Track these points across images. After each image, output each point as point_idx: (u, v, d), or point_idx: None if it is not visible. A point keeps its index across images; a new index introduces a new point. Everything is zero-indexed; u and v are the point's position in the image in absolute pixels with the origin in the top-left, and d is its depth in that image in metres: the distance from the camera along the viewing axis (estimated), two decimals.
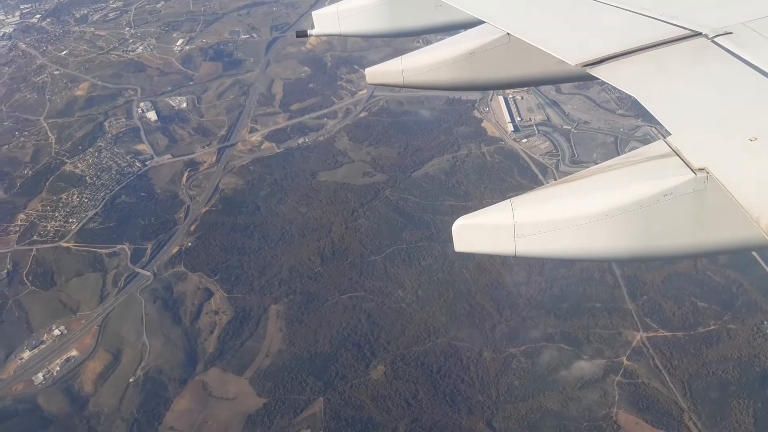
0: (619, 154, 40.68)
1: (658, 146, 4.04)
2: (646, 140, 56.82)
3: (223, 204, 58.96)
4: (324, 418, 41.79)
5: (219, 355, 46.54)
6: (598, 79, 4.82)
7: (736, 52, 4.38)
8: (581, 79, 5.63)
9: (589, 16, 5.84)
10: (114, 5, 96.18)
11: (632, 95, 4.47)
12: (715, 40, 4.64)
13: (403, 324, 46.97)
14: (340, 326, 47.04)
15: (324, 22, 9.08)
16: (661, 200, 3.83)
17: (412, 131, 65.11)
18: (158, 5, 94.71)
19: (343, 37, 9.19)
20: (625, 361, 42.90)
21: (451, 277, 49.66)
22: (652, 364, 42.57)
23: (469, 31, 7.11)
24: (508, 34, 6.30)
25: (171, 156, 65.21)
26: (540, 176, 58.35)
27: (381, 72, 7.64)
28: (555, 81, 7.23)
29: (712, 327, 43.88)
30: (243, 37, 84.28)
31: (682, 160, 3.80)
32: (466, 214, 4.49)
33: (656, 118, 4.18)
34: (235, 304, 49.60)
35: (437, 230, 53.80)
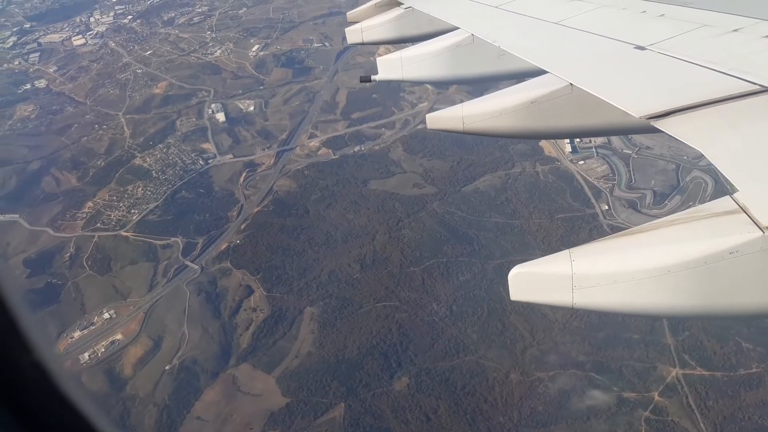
0: (680, 183, 39.55)
1: (723, 202, 4.01)
2: (710, 170, 54.43)
3: (274, 205, 60.62)
4: (343, 424, 42.19)
5: (251, 352, 47.82)
6: (663, 132, 4.83)
7: None
8: (645, 131, 5.72)
9: (654, 68, 5.88)
10: (200, 9, 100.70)
11: (699, 150, 4.48)
12: None
13: (433, 338, 46.84)
14: (370, 334, 47.41)
15: (388, 68, 9.44)
16: (727, 258, 3.75)
17: (468, 146, 64.76)
18: (240, 11, 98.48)
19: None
20: (657, 397, 41.19)
21: (488, 294, 49.07)
22: (685, 402, 40.70)
23: (531, 80, 7.22)
24: (571, 84, 6.35)
25: (232, 156, 67.68)
26: (593, 200, 56.98)
27: (442, 117, 7.87)
28: (618, 132, 7.47)
29: (755, 370, 41.54)
30: (315, 45, 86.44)
31: (750, 217, 3.76)
32: (522, 262, 4.52)
33: (723, 173, 4.17)
34: (272, 303, 50.87)
35: (480, 246, 53.44)
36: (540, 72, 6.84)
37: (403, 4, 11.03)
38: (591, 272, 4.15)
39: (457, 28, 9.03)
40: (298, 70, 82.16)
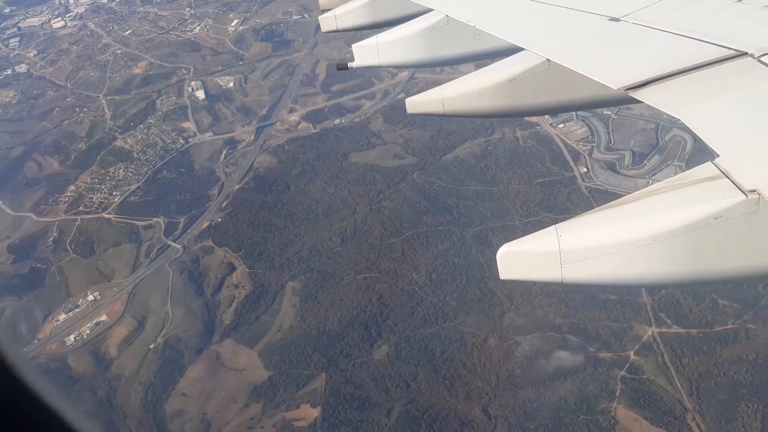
0: (659, 142, 39.52)
1: (706, 168, 4.03)
2: (688, 128, 54.18)
3: (255, 182, 60.70)
4: (324, 394, 42.80)
5: (234, 328, 48.33)
6: (642, 102, 4.91)
7: None
8: (624, 102, 5.76)
9: (629, 39, 5.90)
10: None
11: (678, 117, 4.51)
12: (761, 59, 4.62)
13: (413, 306, 47.25)
14: (351, 306, 47.84)
15: (364, 54, 9.38)
16: (712, 223, 3.78)
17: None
18: None
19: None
20: (633, 356, 41.68)
21: (467, 262, 49.40)
22: (661, 360, 41.18)
23: (508, 58, 7.19)
24: (548, 60, 6.37)
25: (213, 134, 67.55)
26: (572, 163, 56.97)
27: (421, 102, 7.86)
28: (597, 105, 7.71)
29: (731, 326, 41.94)
30: (295, 17, 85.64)
31: (732, 182, 3.78)
32: (509, 241, 4.59)
33: (704, 140, 4.23)
34: (254, 279, 51.25)
35: (459, 214, 53.61)
36: (516, 49, 6.84)
37: None
38: (578, 246, 4.18)
39: (431, 10, 8.97)
40: (277, 43, 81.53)
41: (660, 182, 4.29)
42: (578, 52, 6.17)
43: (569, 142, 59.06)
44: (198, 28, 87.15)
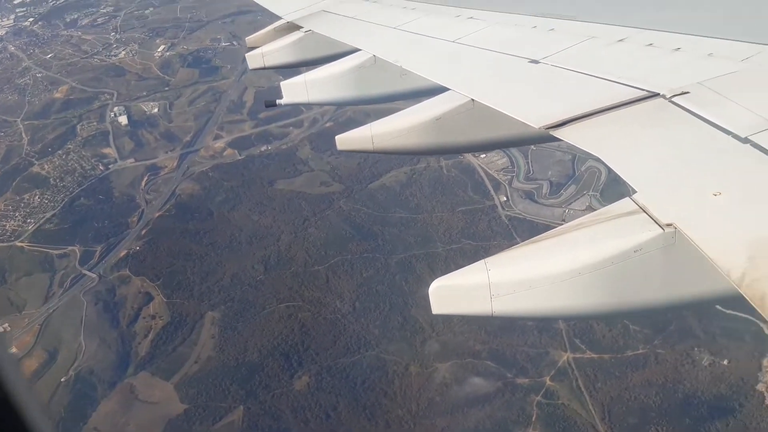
0: (575, 173, 40.45)
1: (624, 204, 4.09)
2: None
3: (177, 209, 59.49)
4: (241, 427, 41.85)
5: (150, 360, 46.86)
6: (562, 140, 4.95)
7: (694, 111, 4.57)
8: (546, 140, 5.80)
9: (548, 80, 6.03)
10: (104, 10, 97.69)
11: (596, 155, 4.58)
12: (672, 99, 4.81)
13: (336, 335, 46.93)
14: (272, 335, 47.13)
15: (293, 92, 9.38)
16: (632, 256, 3.87)
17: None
18: (147, 11, 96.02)
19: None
20: (548, 381, 42.41)
21: (390, 289, 49.53)
22: (575, 385, 42.02)
23: (434, 98, 7.25)
24: (473, 100, 6.49)
25: (134, 160, 66.03)
26: (493, 192, 58.13)
27: (351, 139, 7.82)
28: (520, 143, 7.55)
29: (641, 351, 43.23)
30: (224, 44, 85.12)
31: (650, 216, 3.87)
32: (442, 275, 4.48)
33: (622, 176, 4.26)
34: (172, 309, 49.95)
35: (384, 242, 53.79)
36: (443, 89, 6.96)
37: (302, 27, 11.08)
38: (507, 280, 4.20)
39: (359, 50, 9.08)
40: (205, 69, 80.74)
41: (583, 217, 4.43)
42: (501, 92, 6.41)
43: (490, 172, 60.33)
44: (123, 52, 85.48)
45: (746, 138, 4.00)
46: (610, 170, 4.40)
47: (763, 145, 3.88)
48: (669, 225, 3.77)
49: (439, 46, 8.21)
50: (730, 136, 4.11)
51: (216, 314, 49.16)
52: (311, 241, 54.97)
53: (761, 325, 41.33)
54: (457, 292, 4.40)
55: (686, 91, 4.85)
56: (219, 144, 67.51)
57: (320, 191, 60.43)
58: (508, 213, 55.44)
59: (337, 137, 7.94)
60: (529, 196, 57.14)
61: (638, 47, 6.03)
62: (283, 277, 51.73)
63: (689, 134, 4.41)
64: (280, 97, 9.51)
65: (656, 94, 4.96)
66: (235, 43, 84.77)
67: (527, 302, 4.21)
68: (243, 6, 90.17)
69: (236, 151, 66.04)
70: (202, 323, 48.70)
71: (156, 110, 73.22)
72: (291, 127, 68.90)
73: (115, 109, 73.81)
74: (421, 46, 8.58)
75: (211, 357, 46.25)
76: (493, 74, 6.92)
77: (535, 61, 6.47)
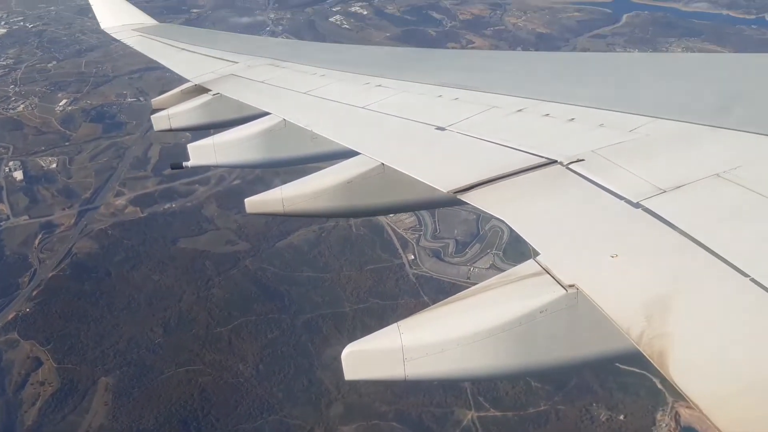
0: (479, 232, 41.08)
1: (529, 265, 4.18)
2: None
3: (72, 269, 56.61)
4: None
5: (37, 429, 43.57)
6: (470, 204, 5.11)
7: (589, 177, 4.80)
8: (453, 204, 5.83)
9: (455, 146, 6.25)
10: (3, 62, 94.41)
11: (502, 219, 4.72)
12: (569, 166, 5.04)
13: (238, 400, 45.21)
14: (169, 401, 44.87)
15: (200, 154, 9.09)
16: (538, 317, 3.93)
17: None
18: (49, 65, 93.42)
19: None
20: None
21: (296, 351, 48.47)
22: None
23: (345, 161, 7.17)
24: (383, 164, 6.52)
25: (28, 217, 62.79)
26: (400, 250, 58.63)
27: (261, 202, 7.52)
28: (429, 206, 7.58)
29: (543, 407, 43.82)
30: (129, 100, 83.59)
31: (553, 277, 3.97)
32: (354, 340, 4.36)
33: (525, 239, 4.35)
34: (63, 375, 46.88)
35: (290, 302, 52.90)
36: (354, 153, 7.02)
37: (211, 90, 10.90)
38: (419, 343, 4.16)
39: (268, 114, 9.01)
40: (109, 125, 78.71)
41: (491, 279, 4.47)
42: (410, 157, 6.56)
43: (399, 231, 61.00)
44: (22, 106, 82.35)
45: (638, 203, 4.27)
46: (511, 230, 4.53)
47: (653, 210, 4.14)
48: (571, 286, 3.87)
49: (350, 111, 8.38)
50: (623, 201, 4.37)
51: (110, 380, 46.49)
52: (214, 301, 53.39)
53: (654, 380, 42.99)
54: (370, 357, 4.37)
55: (581, 158, 5.10)
56: (120, 201, 65.29)
57: (225, 250, 59.17)
58: (416, 271, 55.94)
59: (246, 200, 7.73)
60: (436, 254, 58.01)
61: (536, 117, 6.39)
62: (184, 339, 49.74)
63: (586, 199, 4.63)
64: (187, 159, 9.26)
65: (554, 161, 5.21)
66: (141, 99, 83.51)
67: (439, 365, 4.23)
68: (151, 62, 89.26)
69: (138, 209, 64.02)
70: (94, 389, 45.88)
71: (54, 165, 70.35)
72: (197, 185, 67.64)
73: (11, 163, 70.50)
74: (332, 111, 8.69)
75: (104, 426, 43.47)
76: (402, 140, 7.12)
77: (442, 128, 6.73)
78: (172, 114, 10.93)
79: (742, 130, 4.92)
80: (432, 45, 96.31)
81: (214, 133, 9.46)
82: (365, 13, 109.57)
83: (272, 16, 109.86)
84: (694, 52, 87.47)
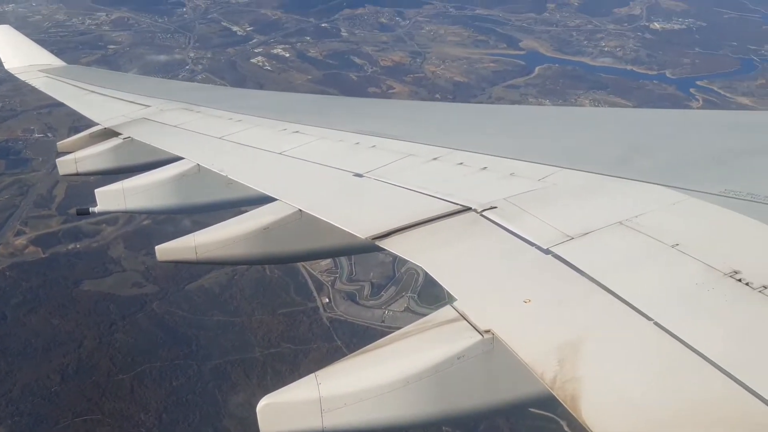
0: (395, 274, 40.77)
1: (446, 311, 4.23)
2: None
3: None
4: None
5: None
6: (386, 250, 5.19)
7: (502, 224, 4.94)
8: (372, 250, 5.82)
9: (372, 193, 6.31)
10: None
11: (420, 265, 4.78)
12: (483, 213, 5.20)
13: None
14: None
15: (108, 200, 8.72)
16: (456, 363, 3.95)
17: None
18: None
19: None
20: None
21: (202, 398, 46.72)
22: None
23: (263, 207, 6.97)
24: (300, 210, 6.51)
25: None
26: (315, 293, 58.04)
27: (173, 249, 7.18)
28: (347, 252, 8.08)
29: None
30: (37, 135, 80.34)
31: (470, 323, 4.02)
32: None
33: (442, 285, 4.40)
34: None
35: (198, 347, 51.17)
36: (270, 199, 6.89)
37: (121, 134, 10.56)
38: (338, 393, 4.13)
39: (182, 158, 8.75)
40: (13, 161, 75.25)
41: (409, 325, 4.48)
42: (328, 203, 6.57)
43: (314, 273, 60.40)
44: None
45: (548, 249, 4.44)
46: (427, 273, 4.63)
47: (562, 256, 4.30)
48: (487, 331, 3.94)
49: (266, 156, 8.32)
50: (534, 248, 4.54)
51: (1, 430, 43.43)
52: (117, 347, 51.04)
53: (561, 422, 43.65)
54: (287, 409, 4.26)
55: (494, 205, 5.30)
56: (21, 240, 62.02)
57: (132, 293, 56.92)
58: (330, 315, 55.34)
59: (157, 248, 7.41)
60: (351, 297, 57.66)
61: (451, 165, 6.61)
62: (82, 387, 47.16)
63: (499, 246, 4.77)
64: (94, 204, 8.92)
65: (469, 208, 5.40)
66: (49, 134, 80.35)
67: (358, 415, 4.18)
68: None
69: (40, 249, 60.94)
70: None
71: None
72: (104, 224, 65.11)
73: None
74: (248, 157, 8.60)
75: None
76: (320, 186, 7.17)
77: (360, 175, 6.84)
78: (79, 158, 10.65)
79: (642, 180, 5.20)
80: (353, 89, 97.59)
81: (123, 178, 9.19)
82: (287, 55, 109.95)
83: (192, 55, 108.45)
84: (600, 104, 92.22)
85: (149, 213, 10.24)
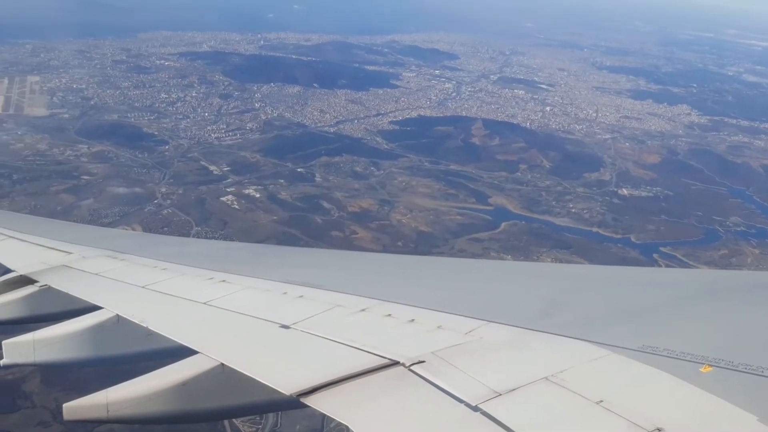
0: (324, 428, 37.85)
1: None
2: None
3: None
4: None
5: None
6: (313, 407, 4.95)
7: (430, 379, 4.91)
8: (298, 407, 5.51)
9: (298, 345, 6.15)
10: None
11: (346, 424, 4.49)
12: (411, 368, 5.12)
13: None
14: None
15: (16, 352, 8.03)
16: None
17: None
18: None
19: None
20: None
21: None
22: None
23: (182, 361, 6.67)
24: (222, 363, 6.15)
25: None
26: None
27: (81, 407, 6.55)
28: (273, 409, 7.60)
29: None
30: None
31: None
32: None
33: None
34: None
35: None
36: (191, 351, 6.51)
37: (38, 281, 10.01)
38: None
39: (100, 308, 8.25)
40: None
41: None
42: (252, 356, 6.30)
43: (236, 423, 56.73)
44: None
45: (476, 406, 4.38)
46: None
47: (490, 413, 4.26)
48: None
49: (190, 307, 7.94)
50: (463, 405, 4.45)
51: None
52: None
53: None
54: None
55: (422, 359, 5.19)
56: None
57: None
58: None
59: (64, 406, 6.48)
60: None
61: (379, 317, 6.53)
62: None
63: (427, 402, 4.66)
64: (0, 357, 8.08)
65: (397, 363, 5.24)
66: None
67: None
68: None
69: None
70: None
71: None
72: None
73: None
74: (170, 307, 8.22)
75: None
76: (244, 338, 6.80)
77: (286, 326, 6.62)
78: None
79: (564, 335, 5.27)
80: (316, 232, 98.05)
81: (36, 329, 8.39)
82: (258, 196, 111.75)
83: (163, 190, 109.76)
84: (561, 262, 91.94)
85: (61, 366, 9.06)
